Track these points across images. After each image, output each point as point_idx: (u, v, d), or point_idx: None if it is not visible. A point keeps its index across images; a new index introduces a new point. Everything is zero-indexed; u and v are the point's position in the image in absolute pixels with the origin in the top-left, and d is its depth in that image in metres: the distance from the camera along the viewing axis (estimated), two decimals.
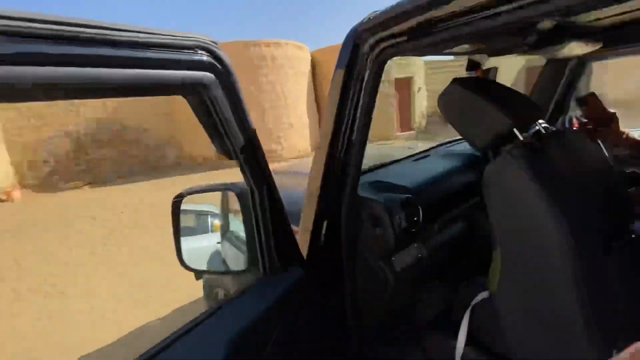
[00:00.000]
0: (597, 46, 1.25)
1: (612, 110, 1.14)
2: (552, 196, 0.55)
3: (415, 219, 0.91)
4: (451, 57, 12.60)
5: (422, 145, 1.67)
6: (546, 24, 0.96)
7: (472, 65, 1.11)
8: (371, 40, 0.67)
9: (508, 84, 0.88)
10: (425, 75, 12.47)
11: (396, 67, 10.95)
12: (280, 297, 0.70)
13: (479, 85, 0.72)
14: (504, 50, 1.04)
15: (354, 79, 0.71)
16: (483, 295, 0.81)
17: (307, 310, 0.81)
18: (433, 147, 1.50)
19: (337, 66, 0.73)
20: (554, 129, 0.76)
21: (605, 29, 1.19)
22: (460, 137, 1.74)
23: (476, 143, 0.72)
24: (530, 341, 0.63)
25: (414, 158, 1.33)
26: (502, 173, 0.62)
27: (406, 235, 0.89)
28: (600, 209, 0.65)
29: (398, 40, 0.63)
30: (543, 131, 0.72)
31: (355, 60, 0.70)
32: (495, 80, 0.91)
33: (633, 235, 0.64)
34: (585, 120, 1.20)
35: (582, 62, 1.43)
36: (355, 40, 0.69)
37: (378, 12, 0.64)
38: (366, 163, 1.50)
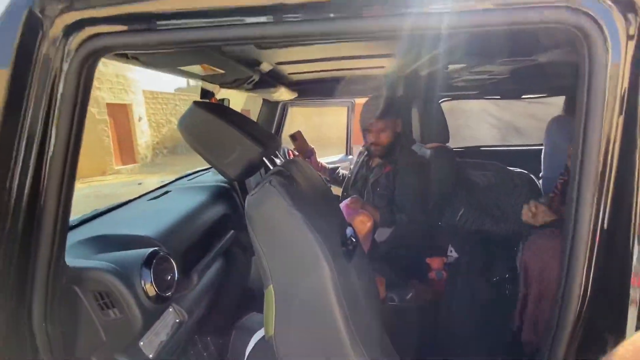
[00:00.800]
0: (295, 95, 1.63)
1: (311, 146, 1.48)
2: (309, 220, 0.58)
3: (169, 276, 0.71)
4: (171, 90, 12.71)
5: (154, 181, 1.43)
6: (266, 66, 1.09)
7: (206, 93, 1.07)
8: (67, 18, 0.43)
9: None
10: (145, 105, 11.62)
11: (107, 91, 9.39)
12: None
13: (223, 112, 0.66)
14: (234, 84, 1.08)
15: (36, 79, 0.43)
16: (257, 338, 0.74)
17: None
18: (172, 182, 1.30)
19: None
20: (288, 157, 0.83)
21: (298, 82, 1.56)
22: (202, 167, 1.67)
23: (228, 173, 0.65)
24: None
25: (149, 197, 1.08)
26: (264, 203, 0.58)
27: (159, 303, 0.67)
28: (334, 222, 0.76)
29: (114, 29, 0.43)
30: (283, 159, 0.77)
31: (36, 46, 0.42)
32: (234, 109, 0.90)
33: (353, 239, 0.80)
34: (297, 153, 1.48)
35: (285, 105, 1.79)
36: (32, 13, 0.42)
37: None
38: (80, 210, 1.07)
